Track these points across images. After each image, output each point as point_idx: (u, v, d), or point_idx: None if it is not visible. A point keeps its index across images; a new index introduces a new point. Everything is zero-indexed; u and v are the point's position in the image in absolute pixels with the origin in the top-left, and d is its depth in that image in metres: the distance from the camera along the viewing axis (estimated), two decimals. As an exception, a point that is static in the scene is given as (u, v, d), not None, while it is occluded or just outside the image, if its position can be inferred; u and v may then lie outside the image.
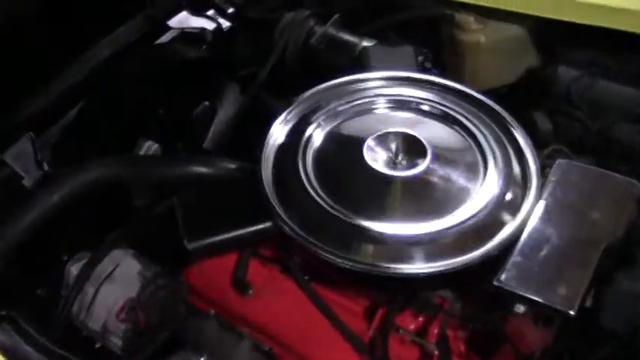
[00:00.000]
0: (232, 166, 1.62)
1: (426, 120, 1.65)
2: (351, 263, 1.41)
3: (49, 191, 1.56)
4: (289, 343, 1.53)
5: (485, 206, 1.46)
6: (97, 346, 1.58)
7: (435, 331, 1.49)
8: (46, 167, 1.65)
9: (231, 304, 1.58)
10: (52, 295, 1.70)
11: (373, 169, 1.52)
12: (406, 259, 1.42)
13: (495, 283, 1.36)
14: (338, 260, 1.41)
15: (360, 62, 1.80)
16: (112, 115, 1.73)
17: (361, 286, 1.52)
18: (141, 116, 1.77)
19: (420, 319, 1.50)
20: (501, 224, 1.46)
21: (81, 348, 1.58)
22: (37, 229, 1.56)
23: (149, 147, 1.77)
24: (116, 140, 1.73)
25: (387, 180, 1.51)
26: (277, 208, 1.47)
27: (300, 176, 1.51)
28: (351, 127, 1.62)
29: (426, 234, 1.44)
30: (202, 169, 1.62)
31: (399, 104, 1.67)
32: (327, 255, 1.41)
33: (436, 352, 1.46)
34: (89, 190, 1.55)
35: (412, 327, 1.50)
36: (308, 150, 1.56)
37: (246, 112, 1.84)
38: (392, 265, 1.41)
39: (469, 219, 1.44)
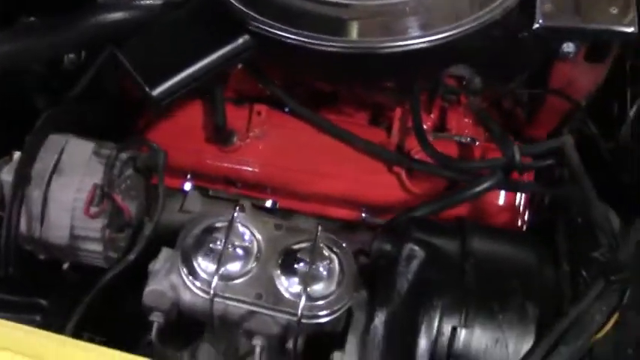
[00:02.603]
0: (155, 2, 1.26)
1: None
2: (346, 45, 1.12)
3: None
4: (294, 185, 1.26)
5: None
6: (65, 267, 1.20)
7: (454, 122, 1.30)
8: None
9: (212, 162, 1.28)
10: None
11: None
12: (406, 30, 1.13)
13: (536, 25, 1.12)
14: (336, 45, 1.12)
15: None
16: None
17: (363, 75, 1.23)
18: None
19: (432, 115, 1.30)
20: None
21: (40, 280, 1.22)
22: None
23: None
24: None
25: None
26: (248, 12, 1.15)
27: None
28: None
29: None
30: (120, 15, 1.24)
31: None
32: (324, 43, 1.11)
33: (464, 141, 1.26)
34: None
35: (428, 125, 1.29)
36: None
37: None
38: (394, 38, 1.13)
39: None
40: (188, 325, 1.10)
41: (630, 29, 1.11)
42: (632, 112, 1.22)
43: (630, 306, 0.99)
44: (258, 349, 1.06)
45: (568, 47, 1.15)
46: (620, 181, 1.19)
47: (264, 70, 1.25)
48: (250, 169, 1.26)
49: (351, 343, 1.06)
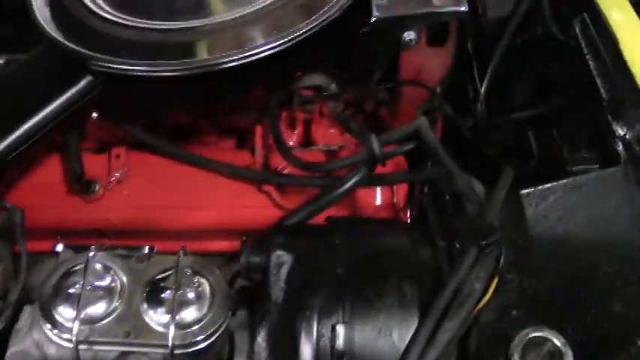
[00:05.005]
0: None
1: None
2: (188, 66, 1.08)
3: None
4: (166, 223, 1.22)
5: None
6: None
7: (319, 135, 1.30)
8: None
9: (77, 216, 1.23)
10: None
11: None
12: (248, 42, 1.11)
13: (373, 18, 1.12)
14: (178, 68, 1.08)
15: None
16: None
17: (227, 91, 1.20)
18: None
19: (297, 130, 1.30)
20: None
21: None
22: None
23: None
24: None
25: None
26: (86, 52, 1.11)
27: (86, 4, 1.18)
28: None
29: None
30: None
31: None
32: (167, 68, 1.08)
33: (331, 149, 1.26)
34: None
35: (294, 141, 1.29)
36: None
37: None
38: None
39: None
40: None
41: (461, 8, 1.11)
42: (482, 90, 1.22)
43: (508, 268, 0.96)
44: (139, 396, 0.99)
45: (409, 35, 1.15)
46: (482, 156, 1.18)
47: (118, 112, 1.22)
48: (118, 215, 1.21)
49: (239, 367, 1.01)
